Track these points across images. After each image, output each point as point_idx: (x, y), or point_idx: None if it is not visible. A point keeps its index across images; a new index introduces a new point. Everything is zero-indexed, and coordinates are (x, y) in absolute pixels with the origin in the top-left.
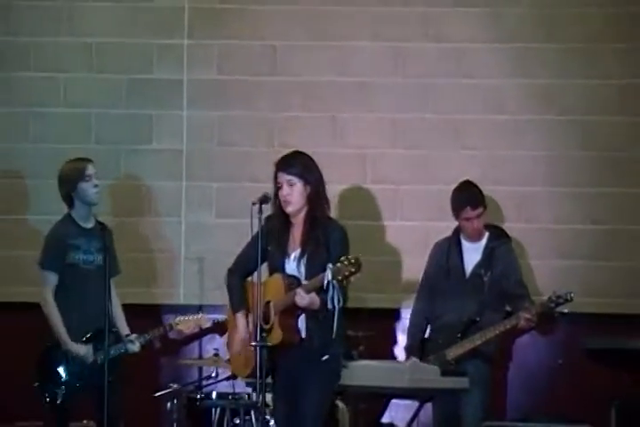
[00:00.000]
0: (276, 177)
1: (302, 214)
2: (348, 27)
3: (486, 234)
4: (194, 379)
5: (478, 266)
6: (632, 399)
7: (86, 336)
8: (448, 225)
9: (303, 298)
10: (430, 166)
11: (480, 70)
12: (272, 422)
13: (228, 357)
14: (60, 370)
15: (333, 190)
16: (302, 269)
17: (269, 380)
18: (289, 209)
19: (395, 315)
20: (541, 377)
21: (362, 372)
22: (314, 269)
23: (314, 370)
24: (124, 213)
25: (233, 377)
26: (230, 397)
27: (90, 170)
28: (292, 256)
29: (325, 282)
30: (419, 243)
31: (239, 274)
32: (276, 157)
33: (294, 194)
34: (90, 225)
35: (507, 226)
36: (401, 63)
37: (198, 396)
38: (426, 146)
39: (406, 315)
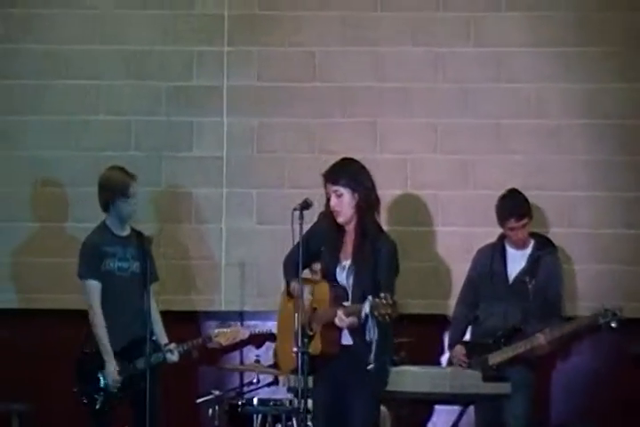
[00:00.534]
0: (325, 187)
1: (353, 222)
2: (388, 32)
3: (532, 242)
4: (235, 385)
5: (522, 273)
6: None
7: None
8: (489, 231)
9: (343, 321)
10: (471, 172)
11: (521, 74)
12: None
13: (274, 353)
14: (100, 376)
15: None
16: (350, 281)
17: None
18: (339, 220)
19: (437, 321)
20: (584, 383)
21: (404, 378)
22: (362, 282)
23: (360, 380)
24: (164, 220)
25: (275, 381)
26: (272, 403)
27: (133, 188)
28: (344, 265)
29: (363, 314)
30: (460, 248)
31: (293, 262)
32: (317, 162)
33: (342, 205)
34: (125, 233)
35: (548, 231)
36: (441, 68)
37: (240, 402)
38: (466, 151)
39: (445, 320)
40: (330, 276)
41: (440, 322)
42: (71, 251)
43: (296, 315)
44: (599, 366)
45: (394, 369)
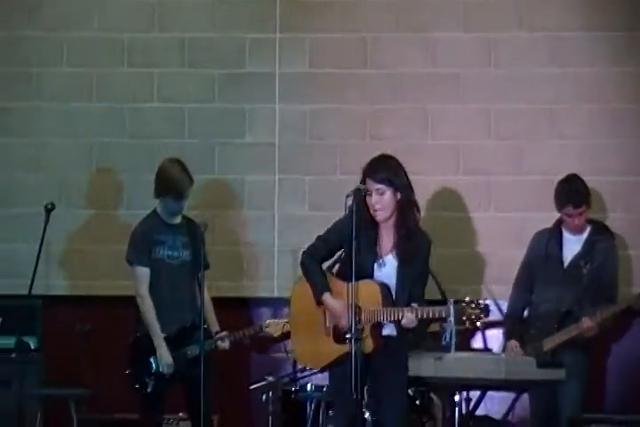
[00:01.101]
0: (363, 183)
1: (393, 219)
2: (439, 17)
3: (588, 227)
4: (289, 371)
5: (578, 257)
6: None
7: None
8: (542, 216)
9: (412, 322)
10: (524, 157)
11: (574, 58)
12: (367, 415)
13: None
14: (151, 360)
15: (426, 182)
16: (394, 279)
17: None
18: (379, 218)
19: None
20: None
21: (457, 364)
22: (405, 280)
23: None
24: (217, 207)
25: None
26: (325, 389)
27: (187, 191)
28: (382, 262)
29: (452, 319)
30: (512, 234)
31: (317, 259)
32: (368, 149)
33: (384, 203)
34: (176, 221)
35: (603, 216)
36: (493, 53)
37: (293, 388)
38: (519, 136)
39: (500, 306)
40: (365, 272)
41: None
42: (124, 238)
43: (348, 315)
44: None
45: (447, 355)
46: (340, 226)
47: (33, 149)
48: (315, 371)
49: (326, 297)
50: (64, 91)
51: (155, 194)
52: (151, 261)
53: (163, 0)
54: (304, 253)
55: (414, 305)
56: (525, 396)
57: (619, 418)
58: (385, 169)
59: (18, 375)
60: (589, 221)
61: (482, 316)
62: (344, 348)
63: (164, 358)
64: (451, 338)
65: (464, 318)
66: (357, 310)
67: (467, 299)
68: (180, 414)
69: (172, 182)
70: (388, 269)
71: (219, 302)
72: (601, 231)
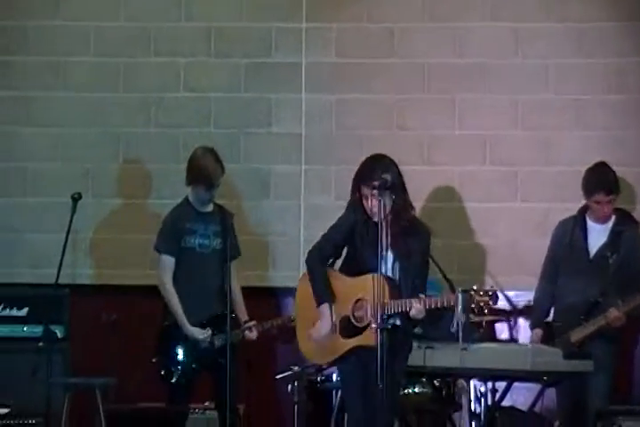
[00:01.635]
0: (357, 188)
1: (390, 217)
2: (466, 7)
3: (613, 217)
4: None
5: (604, 247)
6: None
7: (204, 321)
8: (568, 207)
9: (420, 312)
10: (551, 148)
11: (601, 50)
12: None
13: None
14: (178, 349)
15: (452, 172)
16: (396, 274)
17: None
18: (375, 219)
19: (514, 297)
20: None
21: (483, 355)
22: (409, 272)
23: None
24: (243, 197)
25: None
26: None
27: (218, 181)
28: (385, 258)
29: (460, 307)
30: (539, 224)
31: (323, 258)
32: (395, 139)
33: (381, 206)
34: (208, 209)
35: (629, 207)
36: (520, 44)
37: (319, 378)
38: (546, 127)
39: (526, 297)
40: (369, 267)
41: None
42: (151, 227)
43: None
44: None
45: (473, 346)
46: (344, 222)
47: (59, 138)
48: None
49: (324, 307)
50: (91, 81)
51: (186, 181)
52: (181, 250)
53: None
54: (309, 252)
55: (422, 296)
56: (552, 387)
57: None
58: (380, 174)
59: (45, 364)
60: (614, 210)
61: (490, 303)
62: (351, 342)
63: (193, 333)
64: (459, 327)
65: (472, 306)
66: (363, 303)
67: (475, 287)
68: (206, 403)
69: (203, 171)
70: (389, 264)
71: (245, 292)
72: (626, 220)
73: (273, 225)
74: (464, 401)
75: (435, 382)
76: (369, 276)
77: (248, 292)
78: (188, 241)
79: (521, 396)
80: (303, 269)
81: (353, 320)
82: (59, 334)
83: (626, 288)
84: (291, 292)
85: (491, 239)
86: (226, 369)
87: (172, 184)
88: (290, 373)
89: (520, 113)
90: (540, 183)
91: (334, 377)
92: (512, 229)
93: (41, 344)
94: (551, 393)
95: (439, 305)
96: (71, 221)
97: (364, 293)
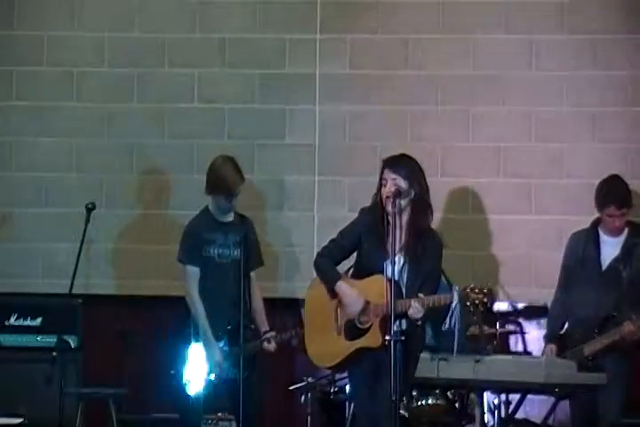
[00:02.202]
0: (382, 173)
1: (405, 218)
2: (481, 19)
3: (626, 230)
4: (327, 373)
5: (616, 260)
6: None
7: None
8: (582, 219)
9: (419, 312)
10: (565, 160)
11: (616, 61)
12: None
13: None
14: (197, 362)
15: (466, 184)
16: (404, 277)
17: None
18: (388, 208)
19: (528, 309)
20: None
21: (496, 367)
22: (416, 277)
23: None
24: (256, 208)
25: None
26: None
27: (239, 190)
28: (393, 261)
29: (454, 304)
30: (553, 237)
31: (330, 259)
32: (409, 150)
33: (394, 189)
34: (228, 219)
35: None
36: (535, 56)
37: (332, 390)
38: (561, 139)
39: (539, 309)
40: (375, 269)
41: (530, 311)
42: (164, 238)
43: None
44: None
45: (486, 358)
46: (354, 227)
47: (74, 149)
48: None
49: (340, 284)
50: (105, 91)
51: (206, 191)
52: (201, 260)
53: (204, 1)
54: (318, 254)
55: (420, 295)
56: (565, 399)
57: None
58: (405, 164)
59: (58, 374)
60: (627, 223)
61: (485, 301)
62: (355, 344)
63: (214, 357)
64: (455, 325)
65: (468, 304)
66: (367, 304)
67: (471, 285)
68: (219, 414)
69: (223, 181)
70: (397, 267)
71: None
72: (639, 233)
73: (286, 236)
74: (477, 413)
75: (448, 394)
76: (373, 278)
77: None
78: (208, 251)
79: (534, 409)
80: None
81: (357, 324)
82: (72, 344)
83: (639, 302)
84: (303, 303)
85: (504, 251)
86: (245, 381)
87: (186, 194)
88: (303, 384)
89: (534, 125)
90: (554, 195)
91: (347, 389)
92: (526, 241)
93: (54, 354)
94: (565, 406)
95: (436, 303)
96: (85, 231)
97: (368, 296)
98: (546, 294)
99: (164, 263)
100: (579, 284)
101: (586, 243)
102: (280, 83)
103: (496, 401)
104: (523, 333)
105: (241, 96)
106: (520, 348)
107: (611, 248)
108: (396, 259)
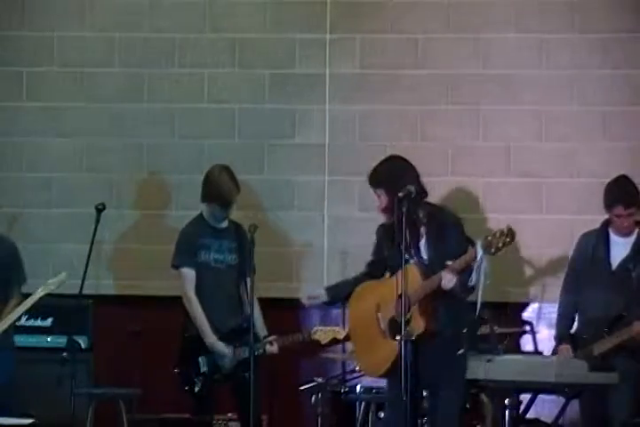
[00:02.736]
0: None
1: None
2: (491, 18)
3: (636, 230)
4: (338, 373)
5: (626, 260)
6: None
7: (224, 334)
8: (594, 218)
9: (451, 280)
10: (576, 159)
11: (627, 61)
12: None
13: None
14: (200, 361)
15: (476, 183)
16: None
17: None
18: (386, 220)
19: (539, 309)
20: None
21: (507, 366)
22: (443, 254)
23: (448, 366)
24: (267, 208)
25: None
26: (375, 391)
27: (234, 200)
28: (417, 251)
29: (479, 257)
30: (564, 236)
31: (365, 276)
32: (419, 150)
33: (382, 205)
34: (223, 225)
35: None
36: (545, 55)
37: (342, 390)
38: (571, 138)
39: (550, 309)
40: (399, 266)
41: (540, 311)
42: (175, 238)
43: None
44: None
45: (497, 358)
46: (375, 243)
47: (84, 149)
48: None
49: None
50: (116, 91)
51: (201, 199)
52: (197, 264)
53: (214, 1)
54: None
55: (447, 263)
56: (576, 399)
57: None
58: (378, 174)
59: (69, 375)
60: (637, 223)
61: (507, 240)
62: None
63: (222, 353)
64: (478, 277)
65: (493, 251)
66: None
67: (492, 232)
68: (230, 414)
69: (218, 190)
70: (423, 252)
71: (268, 303)
72: None
73: (296, 236)
74: (488, 413)
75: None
76: (399, 272)
77: (271, 303)
78: (203, 256)
79: (545, 408)
80: (327, 279)
81: (398, 318)
82: (82, 345)
83: None
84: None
85: (515, 250)
86: (248, 382)
87: (196, 195)
88: (314, 384)
89: (545, 124)
90: (564, 195)
91: (358, 389)
92: (536, 241)
93: (65, 355)
94: (576, 406)
95: (464, 263)
96: (95, 232)
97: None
98: (556, 294)
99: (168, 264)
100: (588, 284)
101: (596, 243)
102: (290, 83)
103: (507, 401)
104: (534, 332)
105: (251, 96)
106: (531, 347)
107: (621, 248)
108: (420, 245)
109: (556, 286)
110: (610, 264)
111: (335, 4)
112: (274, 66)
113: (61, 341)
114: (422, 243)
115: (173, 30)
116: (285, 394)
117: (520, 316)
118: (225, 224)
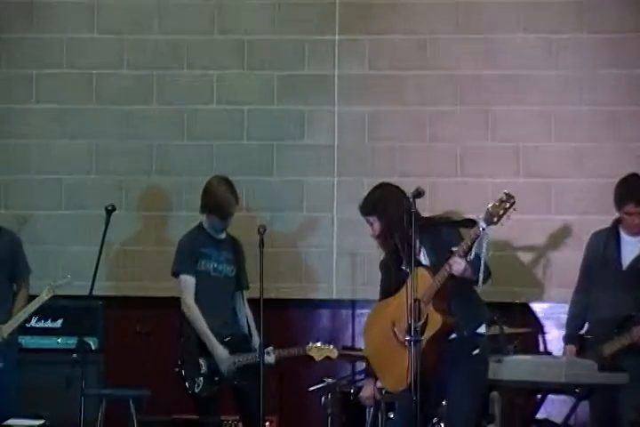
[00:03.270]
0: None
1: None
2: (499, 19)
3: None
4: (347, 373)
5: (637, 260)
6: None
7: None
8: (602, 219)
9: (460, 263)
10: (585, 159)
11: (636, 61)
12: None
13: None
14: (201, 362)
15: (485, 184)
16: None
17: None
18: (380, 246)
19: (548, 309)
20: None
21: (517, 367)
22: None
23: (463, 366)
24: (276, 209)
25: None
26: (385, 391)
27: (232, 212)
28: (422, 255)
29: (480, 230)
30: (573, 237)
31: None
32: (428, 151)
33: (375, 232)
34: (222, 236)
35: None
36: (554, 55)
37: (352, 390)
38: (580, 138)
39: (560, 309)
40: (404, 279)
41: (549, 311)
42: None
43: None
44: None
45: (507, 358)
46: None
47: (93, 151)
48: None
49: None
50: (124, 93)
51: (200, 209)
52: (197, 272)
53: (222, 2)
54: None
55: (453, 249)
56: (586, 400)
57: None
58: (368, 202)
59: (79, 376)
60: None
61: (507, 206)
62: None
63: (221, 357)
64: (480, 250)
65: (495, 220)
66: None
67: (489, 204)
68: (238, 416)
69: (218, 202)
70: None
71: (277, 304)
72: None
73: (305, 237)
74: (497, 413)
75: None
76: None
77: (280, 304)
78: (203, 265)
79: (555, 409)
80: (336, 281)
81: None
82: (92, 346)
83: None
84: (324, 304)
85: (524, 251)
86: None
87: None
88: (323, 385)
89: (554, 124)
90: (573, 195)
91: None
92: (546, 241)
93: (75, 356)
94: (586, 406)
95: (470, 242)
96: (105, 233)
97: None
98: (566, 294)
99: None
100: (599, 283)
101: (606, 242)
102: (299, 84)
103: (517, 401)
104: (543, 333)
105: (260, 97)
106: (540, 348)
107: (631, 248)
108: (420, 257)
109: (564, 286)
110: (620, 264)
111: (344, 6)
112: (283, 67)
113: (71, 342)
114: (422, 254)
115: (182, 32)
116: (295, 395)
117: (529, 316)
118: (223, 235)
